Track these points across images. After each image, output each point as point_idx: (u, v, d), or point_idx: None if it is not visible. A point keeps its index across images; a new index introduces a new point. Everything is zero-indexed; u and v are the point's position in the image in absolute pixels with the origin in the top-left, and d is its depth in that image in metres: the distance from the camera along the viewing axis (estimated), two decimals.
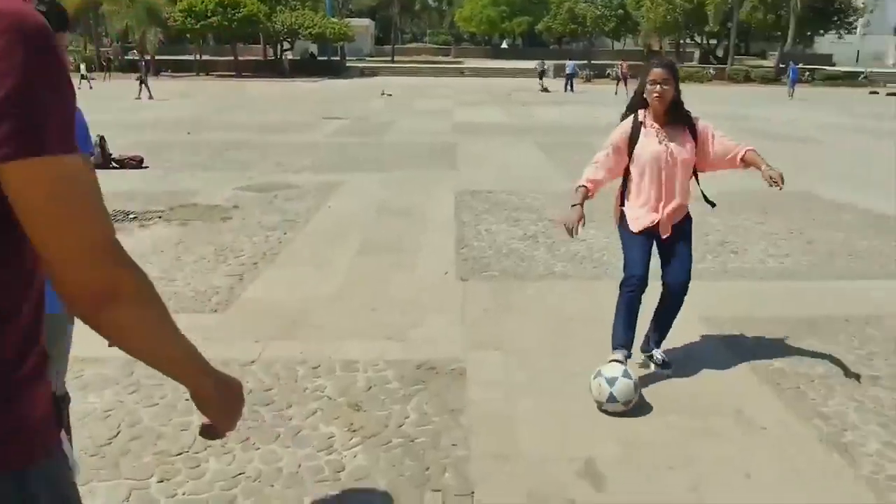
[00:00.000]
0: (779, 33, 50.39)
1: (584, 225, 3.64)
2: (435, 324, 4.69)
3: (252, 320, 4.76)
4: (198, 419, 1.29)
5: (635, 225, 3.84)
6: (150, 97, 25.66)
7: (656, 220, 3.81)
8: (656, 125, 3.80)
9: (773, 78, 45.05)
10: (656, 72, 3.73)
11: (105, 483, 2.87)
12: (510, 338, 4.47)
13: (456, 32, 79.89)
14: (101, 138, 10.88)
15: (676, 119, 3.80)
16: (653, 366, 4.02)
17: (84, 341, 4.22)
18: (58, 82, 0.94)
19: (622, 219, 3.94)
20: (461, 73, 49.10)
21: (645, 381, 3.87)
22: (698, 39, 58.03)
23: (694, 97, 25.82)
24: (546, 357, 4.18)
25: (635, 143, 3.81)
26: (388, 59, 59.67)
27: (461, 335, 4.51)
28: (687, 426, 3.43)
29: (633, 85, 32.77)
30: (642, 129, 3.81)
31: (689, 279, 3.88)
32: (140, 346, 1.09)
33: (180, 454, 3.07)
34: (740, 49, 59.81)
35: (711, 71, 46.37)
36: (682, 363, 4.08)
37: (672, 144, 3.76)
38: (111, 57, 42.61)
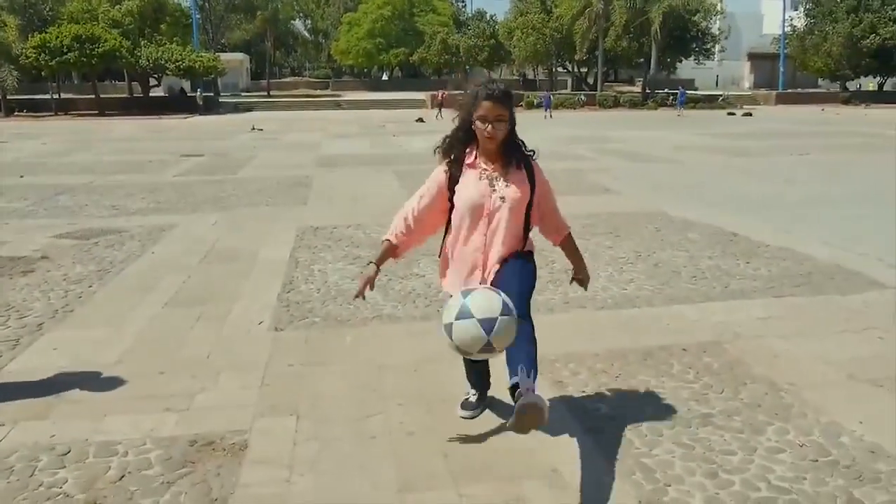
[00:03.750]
0: (642, 60, 52.59)
1: (371, 289, 3.22)
2: (228, 387, 4.05)
3: (8, 397, 3.97)
4: None
5: (453, 287, 3.19)
6: None
7: (479, 280, 3.17)
8: (484, 164, 3.15)
9: (640, 102, 46.88)
10: (487, 105, 2.98)
11: None
12: (312, 399, 3.89)
13: (335, 66, 79.33)
14: None
15: (510, 156, 3.14)
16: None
17: None
18: None
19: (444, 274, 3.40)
20: (338, 105, 48.51)
21: (444, 434, 3.38)
22: (570, 67, 59.91)
23: (565, 122, 26.60)
24: (345, 421, 3.62)
25: (456, 185, 3.19)
26: (265, 93, 58.40)
27: (255, 399, 3.89)
28: (490, 498, 2.94)
29: (448, 113, 33.98)
30: (466, 168, 3.17)
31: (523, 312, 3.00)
32: None
33: None
34: (609, 76, 62.15)
35: (582, 97, 47.74)
36: (499, 416, 3.62)
37: (502, 186, 3.12)
38: None
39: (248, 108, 46.57)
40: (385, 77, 77.13)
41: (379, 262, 3.26)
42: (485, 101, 2.99)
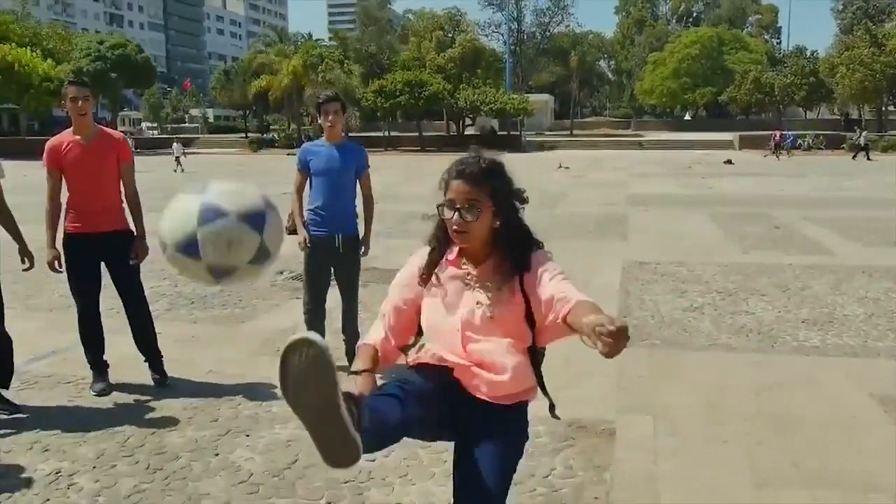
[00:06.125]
0: None
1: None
2: (589, 386, 4.84)
3: None
4: None
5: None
6: None
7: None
8: (469, 267, 2.30)
9: None
10: (455, 186, 2.20)
11: (283, 500, 3.35)
12: (664, 404, 4.53)
13: (636, 105, 79.63)
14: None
15: (504, 259, 2.25)
16: None
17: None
18: None
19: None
20: (640, 145, 48.79)
21: (791, 448, 3.79)
22: None
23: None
24: (696, 426, 4.20)
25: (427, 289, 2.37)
26: (567, 132, 60.54)
27: (614, 398, 4.63)
28: (843, 500, 3.34)
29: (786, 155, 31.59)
30: (444, 265, 2.34)
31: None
32: None
33: (347, 482, 3.47)
34: None
35: None
36: (842, 438, 3.95)
37: (491, 301, 2.24)
38: (311, 135, 46.68)
39: (552, 146, 48.69)
40: (688, 117, 75.59)
41: (361, 371, 2.25)
42: (453, 181, 2.20)
